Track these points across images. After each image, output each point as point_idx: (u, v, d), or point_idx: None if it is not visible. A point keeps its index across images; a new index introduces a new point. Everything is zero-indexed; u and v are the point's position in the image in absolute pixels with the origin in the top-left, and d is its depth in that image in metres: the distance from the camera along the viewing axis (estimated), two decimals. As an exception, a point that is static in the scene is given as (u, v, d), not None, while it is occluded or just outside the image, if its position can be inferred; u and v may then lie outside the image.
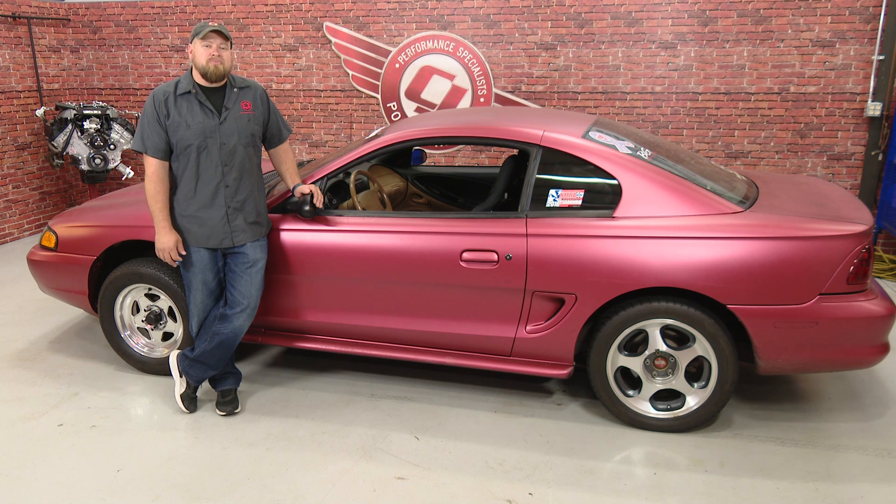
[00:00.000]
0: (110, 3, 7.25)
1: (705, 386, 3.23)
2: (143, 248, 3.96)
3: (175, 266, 3.42)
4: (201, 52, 3.14)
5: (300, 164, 4.53)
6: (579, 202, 3.26)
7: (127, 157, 7.32)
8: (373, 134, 3.88)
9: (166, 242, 3.24)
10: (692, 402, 3.27)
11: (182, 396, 3.53)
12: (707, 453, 3.16)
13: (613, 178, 3.24)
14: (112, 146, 6.70)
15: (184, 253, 3.29)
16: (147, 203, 3.27)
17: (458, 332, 3.42)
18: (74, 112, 6.56)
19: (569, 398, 3.67)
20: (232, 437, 3.33)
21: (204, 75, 3.17)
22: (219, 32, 3.15)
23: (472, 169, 5.14)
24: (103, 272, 3.99)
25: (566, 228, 3.20)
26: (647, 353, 3.26)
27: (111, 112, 6.72)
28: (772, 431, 3.34)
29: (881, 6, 5.44)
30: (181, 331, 3.82)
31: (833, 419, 3.45)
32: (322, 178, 3.61)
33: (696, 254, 3.05)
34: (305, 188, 3.47)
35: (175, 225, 3.30)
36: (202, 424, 3.45)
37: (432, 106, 6.54)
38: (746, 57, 5.78)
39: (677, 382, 3.27)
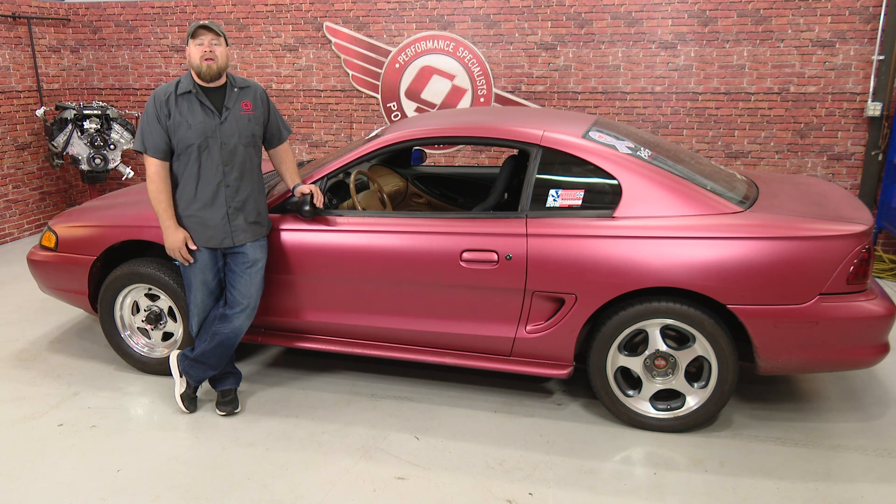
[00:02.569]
0: (110, 3, 7.25)
1: (705, 386, 3.23)
2: (143, 248, 3.96)
3: (189, 263, 3.33)
4: (195, 52, 3.14)
5: (300, 164, 4.53)
6: (579, 202, 3.26)
7: (127, 157, 7.32)
8: (373, 134, 3.88)
9: (175, 241, 3.24)
10: (692, 402, 3.27)
11: (182, 396, 3.53)
12: (707, 453, 3.16)
13: (613, 178, 3.24)
14: (112, 146, 6.69)
15: (193, 248, 3.28)
16: (151, 204, 3.27)
17: (458, 332, 3.42)
18: (74, 112, 6.56)
19: (569, 398, 3.67)
20: (232, 437, 3.33)
21: (199, 75, 3.16)
22: (208, 28, 3.15)
23: (472, 169, 5.14)
24: (103, 272, 3.99)
25: (566, 228, 3.20)
26: (647, 353, 3.26)
27: (111, 112, 6.72)
28: (772, 431, 3.34)
29: (881, 6, 5.44)
30: (181, 331, 3.82)
31: (833, 419, 3.45)
32: (322, 178, 3.61)
33: (696, 254, 3.05)
34: (305, 188, 3.47)
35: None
36: (202, 424, 3.44)
37: (432, 106, 6.54)
38: (746, 57, 5.78)
39: (677, 382, 3.27)
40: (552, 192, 3.29)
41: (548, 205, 3.29)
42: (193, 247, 3.27)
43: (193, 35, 3.13)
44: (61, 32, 7.36)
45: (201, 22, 3.15)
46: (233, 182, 3.24)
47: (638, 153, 3.37)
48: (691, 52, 5.89)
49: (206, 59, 3.13)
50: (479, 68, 6.37)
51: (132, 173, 6.85)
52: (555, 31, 6.12)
